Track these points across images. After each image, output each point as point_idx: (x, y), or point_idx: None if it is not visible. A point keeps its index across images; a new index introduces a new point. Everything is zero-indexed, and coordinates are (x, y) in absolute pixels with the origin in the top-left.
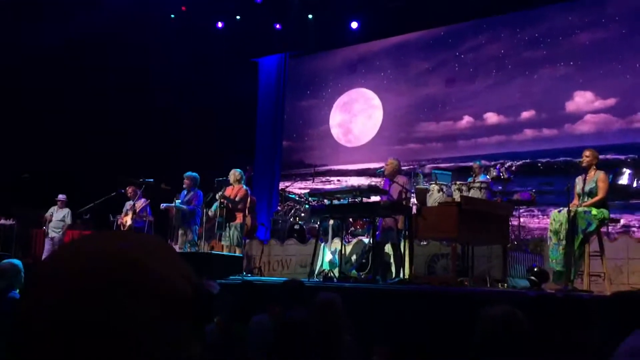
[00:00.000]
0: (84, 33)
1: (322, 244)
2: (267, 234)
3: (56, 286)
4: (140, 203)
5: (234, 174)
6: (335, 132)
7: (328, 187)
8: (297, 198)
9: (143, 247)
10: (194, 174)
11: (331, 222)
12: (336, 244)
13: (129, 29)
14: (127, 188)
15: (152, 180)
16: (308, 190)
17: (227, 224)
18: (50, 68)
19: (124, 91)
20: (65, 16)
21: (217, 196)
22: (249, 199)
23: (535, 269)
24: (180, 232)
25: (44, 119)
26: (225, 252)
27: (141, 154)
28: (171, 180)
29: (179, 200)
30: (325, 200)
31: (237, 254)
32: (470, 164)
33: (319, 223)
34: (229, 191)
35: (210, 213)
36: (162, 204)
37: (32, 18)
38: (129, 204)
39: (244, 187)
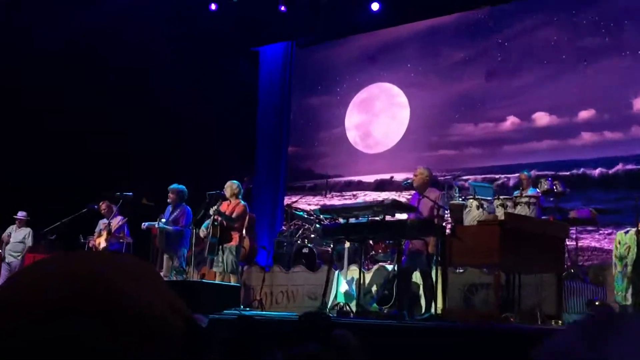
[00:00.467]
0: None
1: (337, 272)
2: (270, 259)
3: (14, 316)
4: (117, 221)
5: (230, 186)
6: (352, 135)
7: (343, 202)
8: (305, 216)
9: (122, 270)
10: (180, 186)
11: (347, 245)
12: (353, 271)
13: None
14: (101, 204)
15: (130, 194)
16: (319, 207)
17: (221, 247)
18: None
19: (97, 94)
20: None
21: (210, 212)
22: (247, 217)
23: (597, 303)
24: (165, 256)
25: None
26: (218, 281)
27: (118, 161)
28: (155, 194)
29: (164, 219)
30: (339, 219)
31: (233, 283)
32: (517, 174)
33: (332, 246)
34: (224, 207)
35: (201, 233)
36: (143, 223)
37: (30, 18)
38: (102, 223)
39: (242, 202)
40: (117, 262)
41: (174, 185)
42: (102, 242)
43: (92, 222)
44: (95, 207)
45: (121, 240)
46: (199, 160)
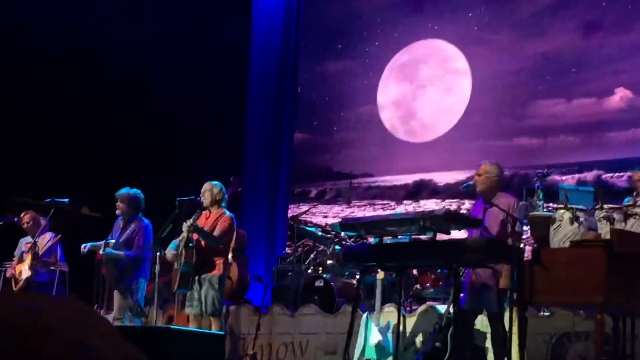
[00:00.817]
0: None
1: (365, 315)
2: (268, 295)
3: None
4: (45, 240)
5: (210, 190)
6: (388, 116)
7: (374, 214)
8: (319, 233)
9: (62, 317)
10: (133, 190)
11: (380, 276)
12: (389, 314)
13: None
14: (22, 215)
15: (66, 200)
16: (339, 220)
17: (198, 278)
18: None
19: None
20: None
21: (182, 227)
22: (234, 234)
23: None
24: (115, 292)
25: None
26: (193, 328)
27: (50, 156)
28: (102, 202)
29: (112, 240)
30: (369, 238)
31: (214, 330)
32: (629, 173)
33: (358, 277)
34: (201, 220)
35: (169, 256)
36: (83, 245)
37: (28, 17)
38: (25, 243)
39: (227, 212)
40: (54, 306)
41: (123, 191)
42: (24, 271)
43: (10, 241)
44: (15, 219)
45: (52, 268)
46: (163, 156)
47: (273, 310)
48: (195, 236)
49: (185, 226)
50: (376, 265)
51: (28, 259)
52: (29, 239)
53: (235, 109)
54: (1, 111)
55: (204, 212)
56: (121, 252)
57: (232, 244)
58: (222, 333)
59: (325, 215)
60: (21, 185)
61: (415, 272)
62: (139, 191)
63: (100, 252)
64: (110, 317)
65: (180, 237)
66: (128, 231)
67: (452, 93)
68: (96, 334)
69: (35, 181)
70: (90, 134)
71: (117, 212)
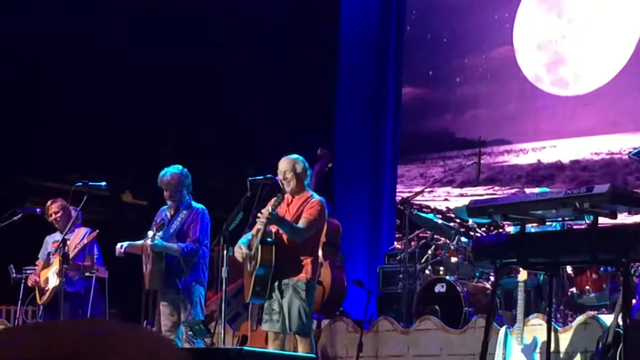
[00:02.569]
0: None
1: (504, 330)
2: (372, 305)
3: None
4: (79, 238)
5: (291, 166)
6: (529, 62)
7: (513, 193)
8: (439, 221)
9: (130, 337)
10: (172, 170)
11: (522, 276)
12: (535, 328)
13: None
14: (48, 204)
15: (102, 184)
16: (465, 204)
17: (279, 284)
18: None
19: None
20: None
21: (259, 216)
22: (325, 224)
23: None
24: (163, 303)
25: None
26: (272, 349)
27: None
28: (146, 186)
29: (158, 234)
30: (506, 226)
31: (302, 353)
32: None
33: (492, 279)
34: (281, 208)
35: (239, 256)
36: (119, 245)
37: None
38: (52, 241)
39: (314, 196)
40: (124, 332)
41: (168, 171)
42: (52, 278)
43: (32, 239)
44: (38, 210)
45: (88, 274)
46: (227, 125)
47: (379, 325)
48: (274, 228)
49: (261, 215)
50: (517, 262)
51: (56, 263)
52: (56, 236)
53: (322, 57)
54: (20, 78)
55: (285, 197)
56: (172, 245)
57: (323, 238)
58: (313, 356)
59: (446, 197)
60: (45, 166)
61: (569, 271)
62: (180, 168)
63: (148, 242)
64: None
65: (254, 230)
66: (178, 220)
67: (616, 29)
68: None
69: (63, 161)
70: (133, 104)
71: (169, 202)
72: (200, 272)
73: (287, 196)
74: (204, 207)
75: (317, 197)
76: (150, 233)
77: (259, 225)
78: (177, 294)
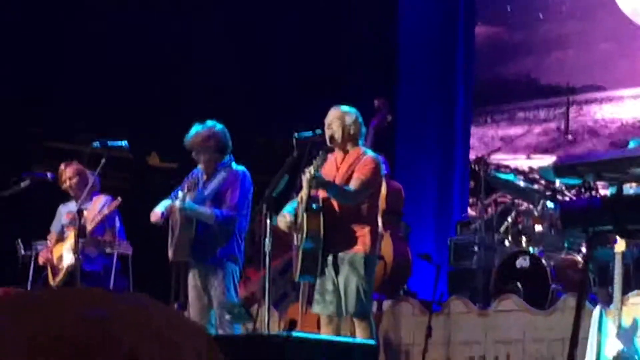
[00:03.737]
0: None
1: (598, 310)
2: (442, 283)
3: None
4: (98, 207)
5: (338, 114)
6: None
7: (609, 150)
8: (520, 183)
9: (135, 320)
10: (208, 126)
11: (620, 247)
12: (636, 308)
13: None
14: (62, 168)
15: (124, 144)
16: (551, 162)
17: (334, 259)
18: None
19: None
20: None
21: (303, 179)
22: (382, 187)
23: None
24: (190, 283)
25: None
26: (325, 335)
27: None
28: (175, 146)
29: (189, 194)
30: (600, 188)
31: (360, 339)
32: None
33: (585, 251)
34: (329, 168)
35: (284, 226)
36: (157, 211)
37: None
38: (67, 212)
39: (367, 152)
40: (129, 313)
41: (193, 132)
42: (66, 255)
43: (43, 209)
44: (49, 176)
45: (108, 250)
46: (269, 77)
47: (451, 307)
48: (322, 193)
49: (305, 178)
50: (613, 230)
51: (71, 237)
52: (71, 205)
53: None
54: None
55: (332, 156)
56: (206, 210)
57: (383, 205)
58: (373, 343)
59: (528, 155)
60: (57, 124)
61: None
62: (217, 125)
63: (177, 204)
64: None
65: (300, 196)
66: (214, 182)
67: None
68: (190, 353)
69: (78, 117)
70: (160, 51)
71: (200, 166)
72: (235, 246)
73: (337, 155)
74: (246, 170)
75: (371, 153)
76: (180, 194)
77: (304, 190)
78: (208, 271)
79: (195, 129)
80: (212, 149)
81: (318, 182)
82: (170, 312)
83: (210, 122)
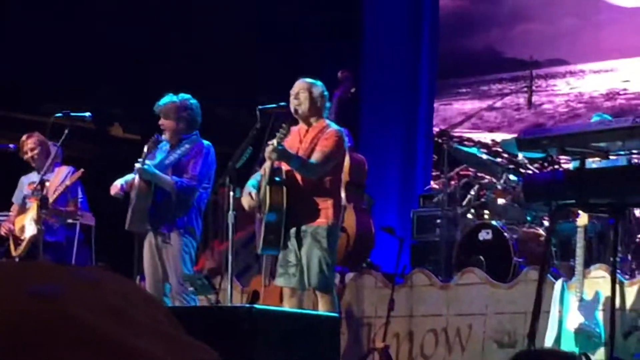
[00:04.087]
0: None
1: (560, 283)
2: (405, 256)
3: None
4: (60, 178)
5: (306, 85)
6: None
7: (571, 123)
8: (483, 156)
9: (91, 296)
10: (181, 97)
11: (582, 221)
12: (597, 282)
13: None
14: (23, 139)
15: (87, 115)
16: (514, 135)
17: (297, 231)
18: None
19: None
20: None
21: (266, 151)
22: (345, 159)
23: None
24: (146, 254)
25: None
26: (288, 308)
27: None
28: (138, 117)
29: (148, 161)
30: (563, 161)
31: (323, 312)
32: None
33: (547, 224)
34: (292, 140)
35: (245, 202)
36: (118, 183)
37: None
38: (28, 183)
39: (330, 125)
40: (85, 288)
41: (165, 100)
42: (28, 226)
43: (5, 180)
44: (11, 147)
45: (71, 221)
46: (232, 49)
47: (414, 280)
48: (284, 166)
49: (267, 150)
50: (575, 203)
51: (33, 208)
52: (33, 176)
53: None
54: None
55: (296, 128)
56: (167, 177)
57: (346, 177)
58: (336, 316)
59: (490, 128)
60: (17, 94)
61: (638, 213)
62: (190, 97)
63: (136, 166)
64: None
65: (262, 169)
66: (179, 152)
67: None
68: (148, 333)
69: (38, 87)
70: (123, 15)
71: (164, 136)
72: (193, 219)
73: (300, 127)
74: (211, 145)
75: (334, 126)
76: (140, 160)
77: (267, 163)
78: (163, 241)
79: (170, 97)
80: (182, 119)
81: (280, 154)
82: (127, 285)
83: (185, 95)
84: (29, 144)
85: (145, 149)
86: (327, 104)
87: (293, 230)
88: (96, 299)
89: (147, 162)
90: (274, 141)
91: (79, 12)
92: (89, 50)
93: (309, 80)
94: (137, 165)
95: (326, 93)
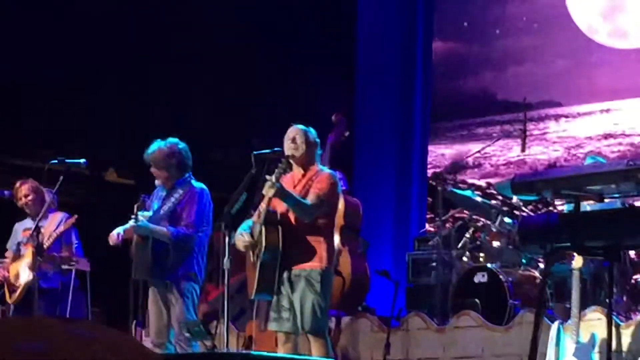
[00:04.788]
0: None
1: (556, 325)
2: (400, 299)
3: None
4: (54, 224)
5: (302, 131)
6: (581, 9)
7: (565, 165)
8: (478, 198)
9: (112, 344)
10: (169, 143)
11: (577, 263)
12: (592, 323)
13: None
14: (17, 186)
15: (81, 161)
16: (508, 178)
17: (288, 274)
18: None
19: None
20: None
21: (265, 188)
22: (340, 202)
23: None
24: (151, 300)
25: None
26: (283, 353)
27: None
28: (133, 162)
29: (147, 213)
30: (558, 204)
31: (317, 357)
32: None
33: (542, 267)
34: (286, 182)
35: (241, 244)
36: (115, 232)
37: None
38: (23, 229)
39: (323, 169)
40: (108, 339)
41: (153, 148)
42: (23, 273)
43: (0, 227)
44: (5, 193)
45: (66, 267)
46: (227, 95)
47: (409, 323)
48: (279, 208)
49: (265, 186)
50: (570, 246)
51: (28, 255)
52: (28, 222)
53: (339, 9)
54: None
55: (289, 173)
56: (162, 228)
57: (341, 221)
58: None
59: (484, 169)
60: (13, 141)
61: (633, 255)
62: (179, 143)
63: (130, 223)
64: (148, 343)
65: (256, 215)
66: (172, 199)
67: None
68: None
69: (34, 134)
70: (115, 63)
71: (157, 182)
72: (194, 264)
73: (295, 172)
74: (205, 187)
75: (326, 170)
76: (133, 217)
77: (264, 204)
78: (166, 289)
79: (158, 144)
80: (172, 166)
81: (278, 191)
82: (120, 339)
83: (172, 139)
84: (23, 190)
85: (135, 209)
86: (319, 151)
87: (286, 275)
88: (84, 355)
89: (140, 217)
90: (272, 177)
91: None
92: (83, 97)
93: (303, 126)
94: (131, 222)
95: (318, 140)
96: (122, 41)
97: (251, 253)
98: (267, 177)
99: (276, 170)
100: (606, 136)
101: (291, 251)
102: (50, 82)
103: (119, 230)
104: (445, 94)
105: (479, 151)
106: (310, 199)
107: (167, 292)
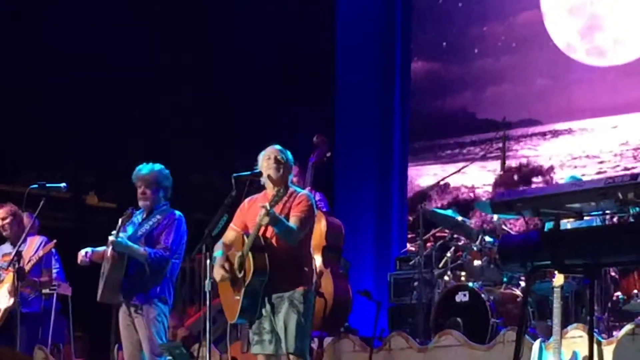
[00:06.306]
0: None
1: (538, 343)
2: (382, 319)
3: None
4: (34, 248)
5: (281, 151)
6: (559, 28)
7: (545, 185)
8: (458, 218)
9: None
10: (158, 167)
11: (558, 281)
12: (574, 341)
13: None
14: None
15: (62, 185)
16: (488, 197)
17: (268, 300)
18: None
19: None
20: None
21: (260, 212)
22: (322, 223)
23: None
24: (122, 323)
25: None
26: None
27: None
28: (114, 186)
29: (121, 233)
30: (539, 222)
31: None
32: None
33: (523, 285)
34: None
35: (216, 274)
36: (83, 251)
37: None
38: (2, 254)
39: (297, 190)
40: None
41: (146, 169)
42: (3, 298)
43: None
44: None
45: (46, 291)
46: (205, 114)
47: (392, 343)
48: (261, 232)
49: (259, 214)
50: (551, 264)
51: (8, 279)
52: (7, 247)
53: (318, 30)
54: None
55: (264, 192)
56: (140, 248)
57: (322, 242)
58: None
59: (466, 188)
60: None
61: (613, 273)
62: (164, 169)
63: (110, 238)
64: None
65: (238, 238)
66: (150, 223)
67: None
68: None
69: (13, 158)
70: (93, 88)
71: (141, 202)
72: (165, 289)
73: (269, 193)
74: (182, 215)
75: (302, 190)
76: (113, 233)
77: (257, 225)
78: (136, 312)
79: (151, 166)
80: (162, 189)
81: (272, 218)
82: None
83: (159, 165)
84: (1, 214)
85: (120, 222)
86: (291, 175)
87: (266, 299)
88: None
89: (120, 234)
90: (267, 205)
91: (52, 88)
92: (63, 121)
93: (278, 148)
94: (111, 237)
95: (290, 159)
96: (100, 65)
97: (228, 282)
98: (261, 204)
99: (272, 197)
100: (586, 154)
101: (275, 275)
102: (31, 110)
103: (88, 249)
104: (425, 114)
105: (447, 176)
106: (294, 223)
107: (137, 314)
